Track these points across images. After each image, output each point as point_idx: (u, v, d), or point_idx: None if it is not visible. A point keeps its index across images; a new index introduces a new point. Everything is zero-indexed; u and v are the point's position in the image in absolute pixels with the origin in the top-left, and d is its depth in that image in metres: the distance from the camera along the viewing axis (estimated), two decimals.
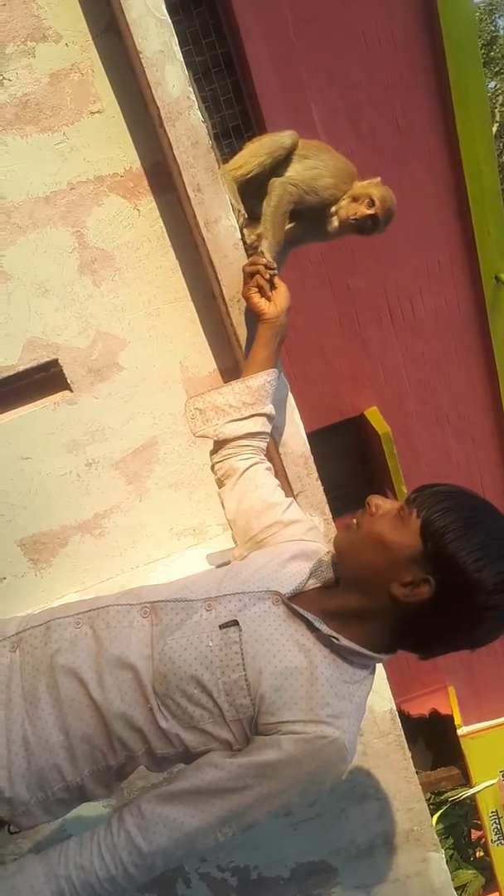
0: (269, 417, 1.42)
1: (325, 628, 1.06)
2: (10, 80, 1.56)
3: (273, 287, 1.45)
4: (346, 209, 1.63)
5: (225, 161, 1.67)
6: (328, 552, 1.19)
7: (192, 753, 1.06)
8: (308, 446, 1.71)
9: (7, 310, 1.69)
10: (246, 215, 1.64)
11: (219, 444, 1.41)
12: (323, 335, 4.38)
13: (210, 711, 1.04)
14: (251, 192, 1.63)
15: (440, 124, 4.06)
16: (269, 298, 1.43)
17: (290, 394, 1.66)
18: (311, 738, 1.00)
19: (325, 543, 1.28)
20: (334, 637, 1.06)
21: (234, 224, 1.57)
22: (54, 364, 1.75)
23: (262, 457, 1.41)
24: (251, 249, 1.64)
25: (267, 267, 1.44)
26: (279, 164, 1.61)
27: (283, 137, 1.60)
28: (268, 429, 1.42)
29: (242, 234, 1.60)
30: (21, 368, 1.73)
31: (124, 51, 1.56)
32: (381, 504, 1.09)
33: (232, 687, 1.04)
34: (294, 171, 1.61)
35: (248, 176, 1.60)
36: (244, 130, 3.81)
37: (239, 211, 1.61)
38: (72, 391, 1.78)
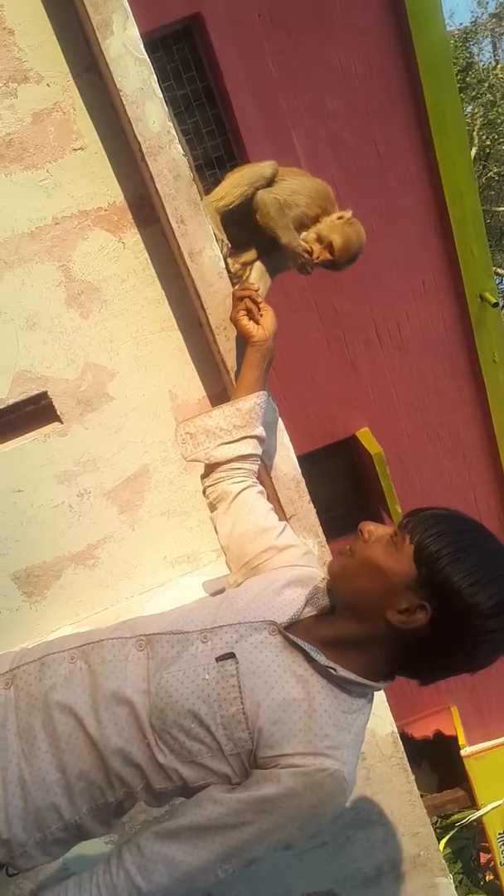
0: (260, 439, 1.42)
1: (322, 659, 1.05)
2: None
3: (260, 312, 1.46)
4: (311, 246, 1.61)
5: (207, 192, 1.70)
6: (323, 578, 1.19)
7: (191, 788, 1.05)
8: (299, 469, 1.72)
9: None
10: (229, 245, 1.66)
11: (210, 468, 1.41)
12: (311, 358, 4.41)
13: (208, 746, 1.03)
14: (234, 221, 1.65)
15: (419, 149, 4.13)
16: (257, 322, 1.44)
17: (279, 418, 1.67)
18: (311, 771, 0.98)
19: (320, 568, 1.27)
20: (332, 668, 1.05)
21: (218, 254, 1.59)
22: (44, 396, 1.76)
23: (255, 480, 1.41)
24: (236, 278, 1.66)
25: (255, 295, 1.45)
26: None
27: (264, 168, 1.63)
28: (259, 451, 1.42)
29: (226, 264, 1.62)
30: (10, 402, 1.74)
31: (105, 89, 1.59)
32: (373, 530, 1.08)
33: (230, 721, 1.02)
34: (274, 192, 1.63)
35: (231, 206, 1.62)
36: (227, 160, 3.86)
37: (222, 241, 1.63)
38: (62, 423, 1.78)
